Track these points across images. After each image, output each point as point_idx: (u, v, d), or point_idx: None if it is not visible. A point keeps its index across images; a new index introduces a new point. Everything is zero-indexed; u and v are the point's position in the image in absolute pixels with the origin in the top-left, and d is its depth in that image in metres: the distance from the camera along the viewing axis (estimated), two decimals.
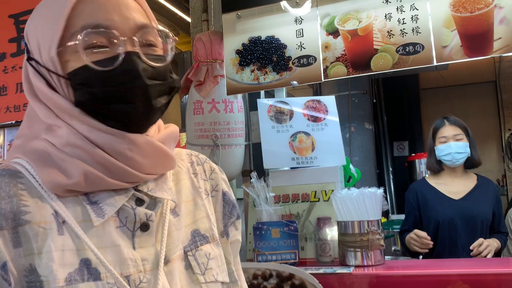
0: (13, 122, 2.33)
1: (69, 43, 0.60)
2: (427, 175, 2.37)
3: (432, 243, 2.01)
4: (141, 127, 0.64)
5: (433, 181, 2.22)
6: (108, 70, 0.60)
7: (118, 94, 0.61)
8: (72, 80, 0.61)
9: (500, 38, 1.44)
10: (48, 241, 0.57)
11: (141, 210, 0.63)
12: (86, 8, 0.61)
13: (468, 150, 2.11)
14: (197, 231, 0.69)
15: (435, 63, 1.48)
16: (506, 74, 5.52)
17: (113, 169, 0.60)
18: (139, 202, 0.64)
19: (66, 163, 0.60)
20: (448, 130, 2.15)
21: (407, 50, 1.54)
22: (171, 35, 0.67)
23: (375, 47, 1.58)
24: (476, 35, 1.47)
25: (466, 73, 5.26)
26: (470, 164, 2.16)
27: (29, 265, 0.56)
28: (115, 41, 0.61)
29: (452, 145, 2.11)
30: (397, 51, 1.55)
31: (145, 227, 0.63)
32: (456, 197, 2.13)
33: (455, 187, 2.16)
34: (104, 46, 0.61)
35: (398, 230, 2.57)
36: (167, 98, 0.66)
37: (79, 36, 0.60)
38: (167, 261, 0.64)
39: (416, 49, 1.53)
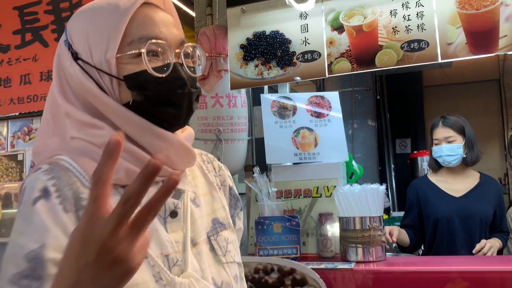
0: (17, 114, 2.34)
1: (132, 51, 0.69)
2: (429, 172, 2.37)
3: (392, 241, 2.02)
4: (180, 127, 0.76)
5: (434, 178, 2.22)
6: (162, 76, 0.69)
7: (169, 98, 0.70)
8: (128, 82, 0.69)
9: (506, 36, 1.43)
10: None
11: (170, 200, 0.72)
12: (141, 20, 0.70)
13: (461, 151, 2.10)
14: (216, 220, 0.79)
15: (440, 60, 1.48)
16: (510, 73, 5.50)
17: None
18: None
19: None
20: (440, 132, 2.15)
21: (412, 46, 1.53)
22: (201, 50, 0.77)
23: (379, 43, 1.58)
24: (481, 33, 1.47)
25: (470, 71, 5.24)
26: (467, 162, 2.16)
27: None
28: (166, 52, 0.70)
29: (443, 148, 2.12)
30: (402, 48, 1.55)
31: (174, 214, 0.73)
32: (457, 194, 2.13)
33: (456, 184, 2.16)
34: (157, 56, 0.70)
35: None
36: (197, 104, 0.77)
37: (142, 45, 0.68)
38: (195, 244, 0.74)
39: (421, 45, 1.52)
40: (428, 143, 2.29)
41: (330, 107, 2.00)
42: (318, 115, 1.98)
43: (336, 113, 2.00)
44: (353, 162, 2.08)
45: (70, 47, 0.72)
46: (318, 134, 1.94)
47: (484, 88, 5.64)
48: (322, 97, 2.00)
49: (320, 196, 1.84)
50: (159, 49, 0.70)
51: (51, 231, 0.62)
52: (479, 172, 2.22)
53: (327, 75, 1.66)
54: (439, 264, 1.63)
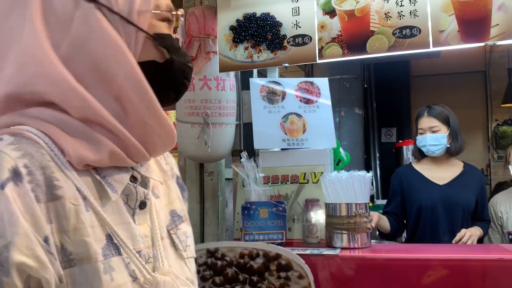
0: None
1: (164, 13, 0.66)
2: (414, 161, 2.39)
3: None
4: (171, 104, 0.70)
5: (418, 166, 2.24)
6: (180, 47, 0.68)
7: (183, 69, 0.67)
8: (159, 41, 0.65)
9: (498, 24, 1.42)
10: (81, 217, 0.56)
11: (141, 189, 0.65)
12: None
13: (444, 141, 2.12)
14: (174, 212, 0.73)
15: (431, 47, 1.47)
16: (496, 65, 5.55)
17: (133, 151, 0.62)
18: (134, 180, 0.65)
19: (93, 141, 0.59)
20: (425, 122, 2.17)
21: (403, 33, 1.52)
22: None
23: (371, 28, 1.56)
24: (473, 21, 1.46)
25: (457, 62, 5.27)
26: (450, 152, 2.18)
27: (60, 243, 0.55)
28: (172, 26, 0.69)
29: (427, 137, 2.13)
30: (393, 34, 1.53)
31: (143, 205, 0.65)
32: (441, 182, 2.16)
33: (440, 173, 2.19)
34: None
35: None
36: None
37: (168, 11, 0.67)
38: (162, 238, 0.67)
39: (413, 32, 1.51)
40: (413, 132, 2.31)
41: (319, 93, 1.99)
42: (307, 101, 1.97)
43: (325, 100, 1.99)
44: (341, 149, 2.08)
45: None
46: (307, 120, 1.93)
47: (470, 80, 5.70)
48: (312, 83, 1.98)
49: (307, 182, 1.84)
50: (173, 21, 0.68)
51: (21, 227, 0.50)
52: (462, 161, 2.25)
53: (317, 60, 1.64)
54: (423, 252, 1.64)
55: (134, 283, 0.60)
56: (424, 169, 2.22)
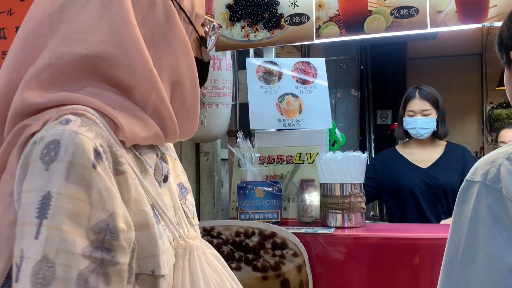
0: None
1: (213, 21, 0.78)
2: (399, 144, 2.38)
3: None
4: None
5: (402, 150, 2.23)
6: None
7: (208, 64, 0.80)
8: (204, 42, 0.76)
9: (496, 5, 1.42)
10: (138, 189, 0.63)
11: (164, 164, 0.73)
12: None
13: (434, 125, 2.12)
14: (181, 184, 0.79)
15: (429, 28, 1.47)
16: (492, 47, 5.49)
17: (170, 133, 0.68)
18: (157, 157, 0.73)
19: (143, 120, 0.64)
20: (417, 104, 2.14)
21: (401, 13, 1.51)
22: None
23: (369, 8, 1.55)
24: (471, 1, 1.45)
25: (453, 44, 5.25)
26: (439, 136, 2.18)
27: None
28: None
29: (418, 120, 2.12)
30: (391, 14, 1.52)
31: (166, 178, 0.73)
32: (424, 166, 2.15)
33: (423, 155, 2.18)
34: None
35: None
36: None
37: (216, 21, 0.79)
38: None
39: (410, 12, 1.50)
40: (399, 113, 2.27)
41: (316, 74, 1.98)
42: (304, 82, 1.96)
43: (321, 81, 1.98)
44: (336, 130, 2.08)
45: None
46: (303, 101, 1.93)
47: (466, 62, 5.69)
48: (308, 63, 1.97)
49: (303, 163, 1.85)
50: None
51: (117, 199, 0.57)
52: (446, 141, 2.23)
53: (315, 40, 1.63)
54: (416, 231, 1.67)
55: (170, 247, 0.67)
56: (408, 152, 2.21)
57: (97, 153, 0.57)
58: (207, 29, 0.77)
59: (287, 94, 1.93)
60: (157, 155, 0.71)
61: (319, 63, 2.00)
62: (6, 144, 0.62)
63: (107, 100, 0.62)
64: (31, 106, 0.60)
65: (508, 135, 2.16)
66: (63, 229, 0.53)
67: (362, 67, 4.61)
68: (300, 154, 1.85)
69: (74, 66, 0.62)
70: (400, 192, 2.14)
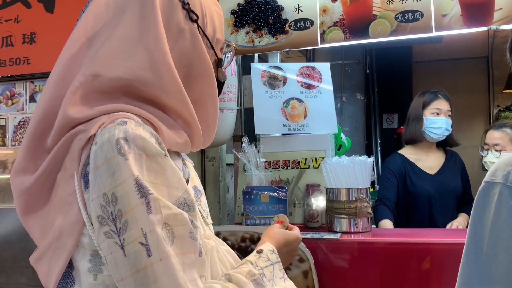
0: None
1: (229, 44, 0.90)
2: (401, 149, 2.36)
3: None
4: None
5: (410, 156, 2.22)
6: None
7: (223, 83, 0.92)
8: (220, 62, 0.86)
9: (501, 8, 1.41)
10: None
11: (186, 169, 0.82)
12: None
13: (451, 129, 2.12)
14: (196, 187, 0.84)
15: (433, 32, 1.46)
16: (499, 50, 5.49)
17: (196, 141, 0.79)
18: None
19: (177, 129, 0.75)
20: (442, 104, 2.13)
21: (406, 17, 1.51)
22: None
23: (374, 12, 1.55)
24: (476, 5, 1.45)
25: (459, 47, 5.23)
26: (448, 143, 2.16)
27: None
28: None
29: (443, 120, 2.10)
30: (396, 18, 1.52)
31: (187, 182, 0.80)
32: (431, 172, 2.15)
33: (429, 162, 2.18)
34: None
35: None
36: None
37: (231, 45, 0.91)
38: None
39: (415, 16, 1.50)
40: (409, 117, 2.24)
41: (321, 78, 1.98)
42: (309, 86, 1.96)
43: (326, 85, 1.98)
44: (342, 135, 2.07)
45: (187, 5, 0.77)
46: (308, 105, 1.93)
47: (472, 65, 5.66)
48: (313, 68, 1.97)
49: (308, 168, 1.85)
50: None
51: (183, 179, 0.70)
52: (442, 147, 2.23)
53: (319, 45, 1.63)
54: (423, 236, 1.65)
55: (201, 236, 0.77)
56: (415, 159, 2.20)
57: (161, 146, 0.68)
58: (224, 51, 0.88)
59: (292, 98, 1.93)
60: (182, 160, 0.82)
61: (324, 67, 2.00)
62: (58, 148, 0.69)
63: (147, 110, 0.71)
64: (77, 120, 0.69)
65: (493, 137, 2.16)
66: (161, 199, 0.65)
67: (367, 71, 4.60)
68: (306, 158, 1.85)
69: (114, 86, 0.70)
70: (413, 199, 2.12)
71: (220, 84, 0.88)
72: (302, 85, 1.95)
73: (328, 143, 1.86)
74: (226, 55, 0.89)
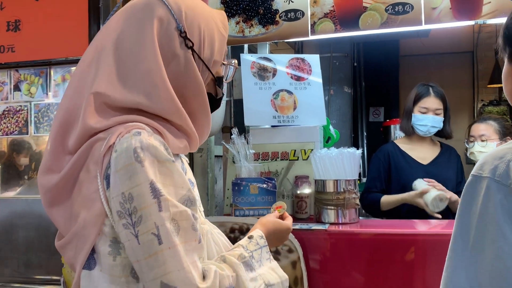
0: None
1: (227, 63, 0.99)
2: (397, 138, 2.40)
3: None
4: None
5: (403, 146, 2.25)
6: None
7: (221, 100, 1.04)
8: (218, 81, 0.97)
9: (490, 2, 1.43)
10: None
11: (184, 166, 0.94)
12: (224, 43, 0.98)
13: (441, 125, 2.15)
14: (189, 180, 0.93)
15: (423, 24, 1.47)
16: (484, 45, 5.59)
17: (193, 145, 0.92)
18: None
19: (179, 137, 0.89)
20: (431, 102, 2.15)
21: (396, 9, 1.51)
22: None
23: (364, 4, 1.55)
24: None
25: (446, 41, 5.28)
26: (441, 135, 2.20)
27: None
28: None
29: (430, 118, 2.13)
30: (386, 10, 1.52)
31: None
32: (424, 162, 2.18)
33: (422, 152, 2.21)
34: None
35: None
36: None
37: (232, 61, 1.00)
38: None
39: (405, 9, 1.50)
40: (404, 107, 2.28)
41: (311, 70, 1.98)
42: (298, 78, 1.96)
43: (316, 77, 1.98)
44: (330, 127, 2.08)
45: (184, 33, 0.87)
46: (298, 97, 1.93)
47: (458, 60, 5.73)
48: (303, 60, 1.97)
49: (297, 159, 1.85)
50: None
51: (187, 180, 0.85)
52: (438, 141, 2.28)
53: (310, 36, 1.63)
54: (410, 227, 1.68)
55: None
56: (408, 148, 2.23)
57: (168, 151, 0.82)
58: (225, 66, 0.98)
59: (282, 90, 1.93)
60: (180, 158, 0.94)
61: (313, 59, 2.00)
62: (80, 152, 0.83)
63: (154, 121, 0.85)
64: (97, 129, 0.82)
65: (478, 129, 2.23)
66: (171, 199, 0.79)
67: (355, 64, 4.61)
68: (295, 150, 1.85)
69: (123, 107, 0.84)
70: (403, 187, 2.14)
71: (217, 100, 1.00)
72: (291, 77, 1.95)
73: (317, 135, 1.87)
74: (229, 73, 1.01)
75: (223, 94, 1.02)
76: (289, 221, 1.14)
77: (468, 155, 2.33)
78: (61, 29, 2.04)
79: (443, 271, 0.74)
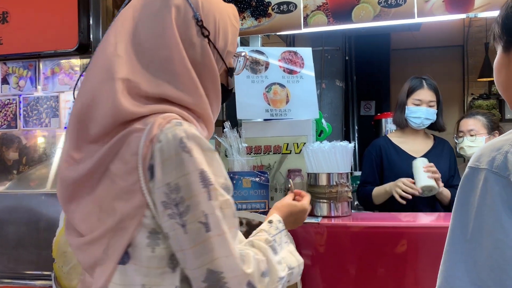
0: None
1: (238, 54, 1.02)
2: (390, 132, 2.42)
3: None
4: None
5: (395, 139, 2.26)
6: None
7: (232, 91, 1.07)
8: (230, 72, 0.98)
9: None
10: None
11: None
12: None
13: (435, 117, 2.16)
14: None
15: (416, 17, 1.47)
16: (474, 39, 5.62)
17: (210, 134, 0.94)
18: None
19: (202, 126, 0.91)
20: (425, 94, 2.16)
21: (389, 2, 1.51)
22: None
23: None
24: None
25: (436, 35, 5.30)
26: (434, 128, 2.22)
27: None
28: None
29: (424, 110, 2.14)
30: (379, 3, 1.52)
31: None
32: (417, 155, 2.19)
33: (415, 145, 2.22)
34: None
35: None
36: None
37: (242, 53, 1.03)
38: None
39: (398, 1, 1.50)
40: (398, 100, 2.28)
41: (303, 64, 1.97)
42: (291, 71, 1.95)
43: (308, 71, 1.98)
44: (323, 120, 2.08)
45: (200, 22, 0.88)
46: (290, 91, 1.92)
47: (448, 53, 5.76)
48: (295, 53, 1.96)
49: (290, 153, 1.85)
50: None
51: (224, 168, 0.87)
52: (432, 134, 2.29)
53: (302, 29, 1.62)
54: (402, 220, 1.69)
55: None
56: (401, 142, 2.25)
57: (207, 141, 0.83)
58: (236, 59, 1.01)
59: (274, 83, 1.92)
60: None
61: (306, 52, 1.99)
62: (113, 143, 0.81)
63: (183, 111, 0.85)
64: (132, 114, 0.81)
65: (467, 124, 2.28)
66: (218, 188, 0.81)
67: (346, 58, 4.61)
68: (287, 144, 1.85)
69: (150, 95, 0.83)
70: (395, 179, 2.15)
71: (228, 90, 1.00)
72: (284, 70, 1.94)
73: (309, 129, 1.86)
74: (239, 62, 1.02)
75: (233, 87, 1.04)
76: (305, 200, 1.18)
77: (458, 150, 2.35)
78: (50, 21, 2.00)
79: (440, 264, 0.74)
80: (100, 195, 0.82)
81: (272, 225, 1.00)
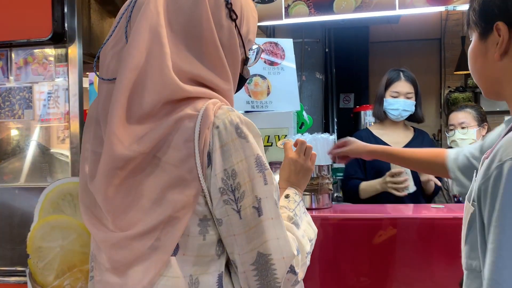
0: None
1: (258, 45, 1.00)
2: (370, 125, 2.43)
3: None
4: None
5: (376, 131, 2.28)
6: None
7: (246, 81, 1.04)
8: (247, 61, 0.96)
9: None
10: None
11: None
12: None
13: (413, 108, 2.18)
14: None
15: (397, 9, 1.47)
16: (451, 33, 5.71)
17: None
18: None
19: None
20: (402, 86, 2.18)
21: None
22: None
23: None
24: None
25: (415, 28, 5.36)
26: (413, 119, 2.24)
27: None
28: None
29: (401, 102, 2.16)
30: None
31: None
32: (397, 146, 2.21)
33: (396, 137, 2.24)
34: None
35: (341, 178, 2.64)
36: None
37: (256, 45, 1.00)
38: None
39: None
40: (376, 93, 2.29)
41: (284, 55, 1.96)
42: (272, 63, 1.93)
43: (289, 62, 1.96)
44: (304, 113, 2.07)
45: (230, 4, 0.87)
46: (271, 82, 1.90)
47: (426, 47, 5.84)
48: (276, 44, 1.95)
49: (271, 145, 1.84)
50: None
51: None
52: (412, 126, 2.32)
53: (284, 19, 1.61)
54: (383, 212, 1.70)
55: None
56: (382, 134, 2.26)
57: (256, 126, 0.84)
58: (251, 51, 0.99)
59: (255, 75, 1.90)
60: None
61: (287, 44, 1.97)
62: (163, 131, 0.77)
63: (221, 97, 0.85)
64: (186, 92, 0.79)
65: (457, 117, 2.31)
66: (271, 172, 0.82)
67: (326, 50, 4.62)
68: (269, 136, 1.84)
69: (194, 79, 0.83)
70: (377, 171, 2.16)
71: (243, 80, 0.99)
72: (265, 62, 1.92)
73: (291, 121, 1.85)
74: (254, 53, 1.00)
75: (249, 76, 1.03)
76: (308, 152, 1.15)
77: (449, 143, 2.37)
78: (22, 10, 1.93)
79: (486, 262, 0.68)
80: (147, 184, 0.78)
81: (290, 199, 1.00)
